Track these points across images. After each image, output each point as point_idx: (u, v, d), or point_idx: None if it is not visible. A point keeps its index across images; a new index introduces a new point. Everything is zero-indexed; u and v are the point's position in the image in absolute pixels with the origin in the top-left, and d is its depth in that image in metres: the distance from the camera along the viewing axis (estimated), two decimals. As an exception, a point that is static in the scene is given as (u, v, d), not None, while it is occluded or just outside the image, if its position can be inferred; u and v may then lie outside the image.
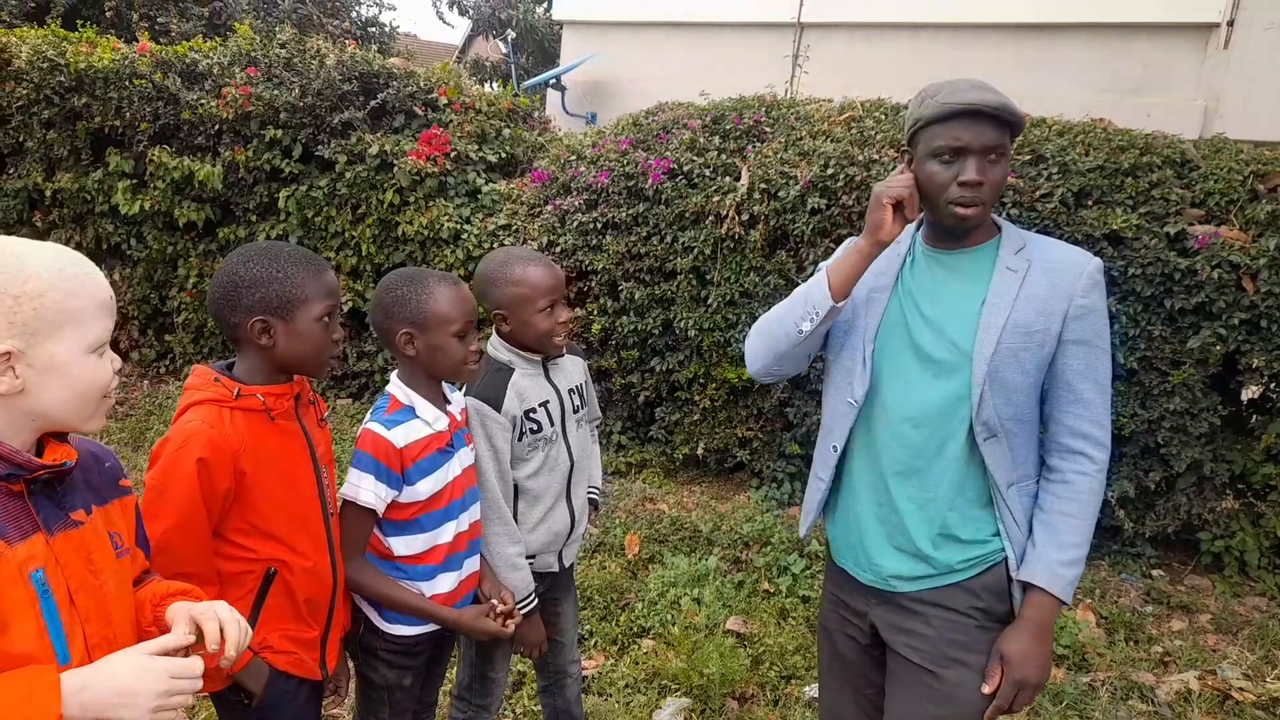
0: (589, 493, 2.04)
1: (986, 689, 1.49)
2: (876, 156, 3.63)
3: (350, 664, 1.80)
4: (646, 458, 4.36)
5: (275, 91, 4.69)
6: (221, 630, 1.10)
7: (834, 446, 1.63)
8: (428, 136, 4.57)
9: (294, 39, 5.11)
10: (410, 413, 1.64)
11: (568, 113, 8.09)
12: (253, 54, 4.98)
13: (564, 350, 1.90)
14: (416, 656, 1.74)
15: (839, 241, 3.38)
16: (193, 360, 5.25)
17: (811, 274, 1.75)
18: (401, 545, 1.66)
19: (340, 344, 1.56)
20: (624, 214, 4.04)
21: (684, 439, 4.23)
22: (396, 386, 1.67)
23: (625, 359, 4.22)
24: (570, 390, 1.92)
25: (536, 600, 1.86)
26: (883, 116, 3.94)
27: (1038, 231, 1.92)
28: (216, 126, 4.84)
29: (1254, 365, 3.20)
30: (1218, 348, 3.20)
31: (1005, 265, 1.49)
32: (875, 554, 1.59)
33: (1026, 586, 1.49)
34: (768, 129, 4.08)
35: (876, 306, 1.57)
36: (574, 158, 4.34)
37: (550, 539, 1.90)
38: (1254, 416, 3.53)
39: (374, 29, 11.77)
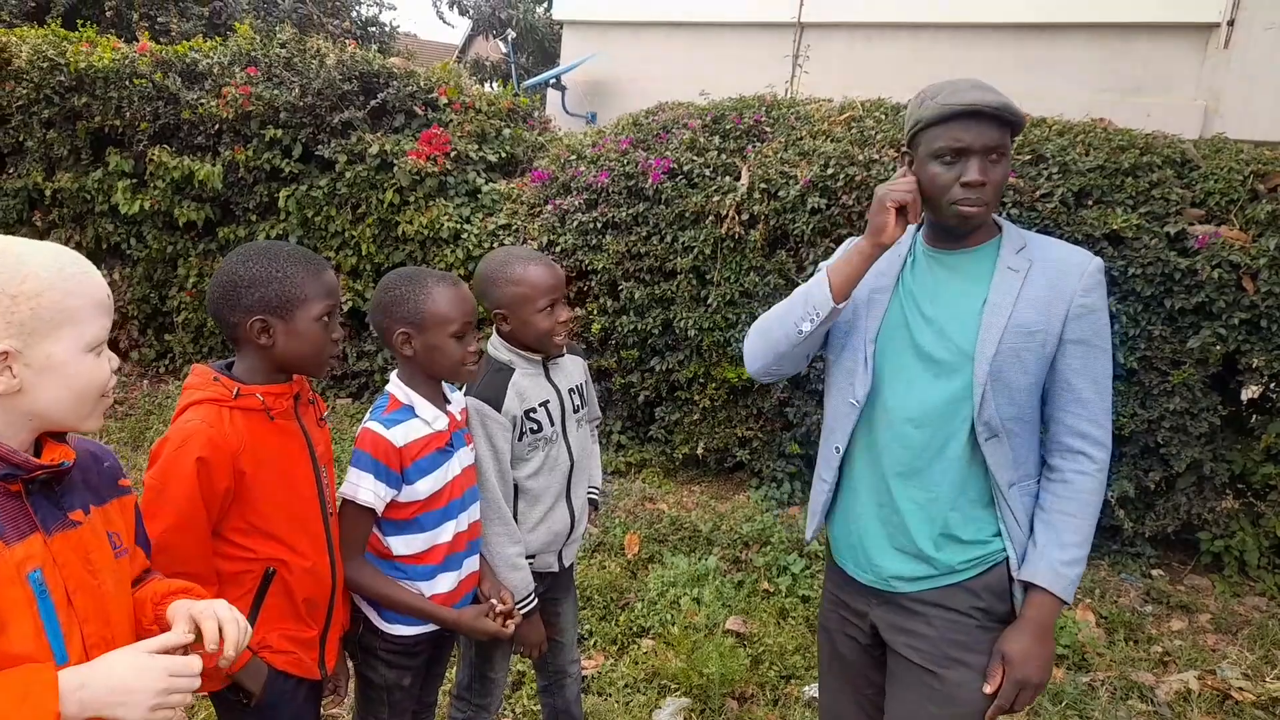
0: (589, 493, 2.04)
1: (988, 689, 1.49)
2: (877, 156, 3.63)
3: (349, 664, 1.80)
4: (646, 457, 4.36)
5: (275, 91, 4.69)
6: (220, 630, 1.10)
7: (836, 448, 1.62)
8: (428, 136, 4.57)
9: (294, 39, 5.11)
10: (409, 412, 1.64)
11: (568, 112, 8.09)
12: (253, 54, 4.98)
13: (564, 350, 1.90)
14: (416, 656, 1.74)
15: (839, 241, 3.38)
16: (192, 360, 5.25)
17: (812, 274, 1.74)
18: (401, 545, 1.66)
19: (340, 344, 1.56)
20: (624, 214, 4.04)
21: (684, 439, 4.23)
22: (396, 386, 1.67)
23: (625, 359, 4.22)
24: (570, 390, 1.92)
25: (536, 600, 1.86)
26: (883, 116, 3.94)
27: (1038, 231, 1.92)
28: (216, 126, 4.84)
29: (1254, 365, 3.20)
30: (1218, 347, 3.20)
31: (1006, 265, 1.49)
32: (876, 555, 1.59)
33: (1028, 586, 1.49)
34: (768, 129, 4.08)
35: (877, 307, 1.56)
36: (574, 157, 4.33)
37: (550, 539, 1.90)
38: (1254, 416, 3.53)
39: (374, 29, 11.77)
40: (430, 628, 1.71)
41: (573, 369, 1.96)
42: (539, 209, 4.36)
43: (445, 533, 1.67)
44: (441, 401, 1.71)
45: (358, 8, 11.70)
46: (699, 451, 4.18)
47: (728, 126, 4.13)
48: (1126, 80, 6.05)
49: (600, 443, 2.71)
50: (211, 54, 5.04)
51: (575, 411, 1.93)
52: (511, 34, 12.19)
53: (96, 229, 5.33)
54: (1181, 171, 3.35)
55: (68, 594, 1.03)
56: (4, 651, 0.96)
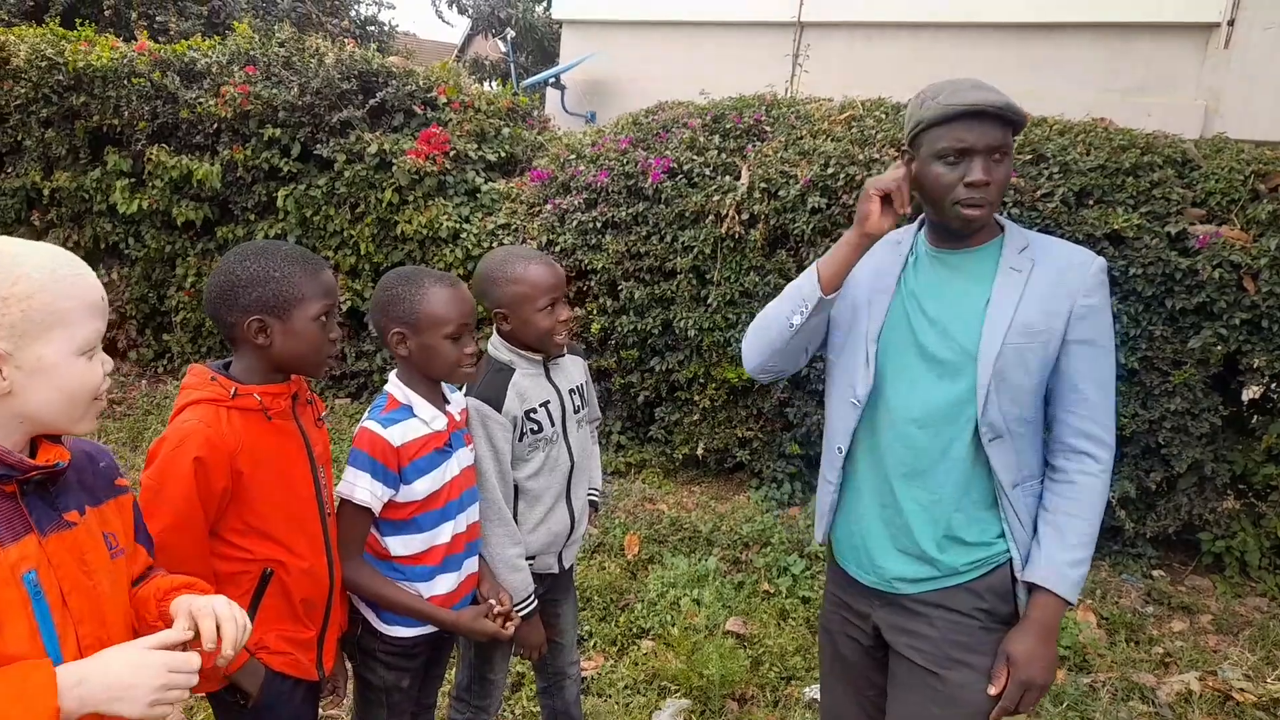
0: (589, 494, 2.03)
1: (993, 690, 1.48)
2: (877, 156, 3.62)
3: (348, 665, 1.80)
4: (646, 458, 4.35)
5: (274, 90, 4.68)
6: (219, 628, 1.09)
7: (839, 448, 1.62)
8: (427, 135, 4.56)
9: (293, 38, 5.11)
10: (408, 411, 1.63)
11: (567, 112, 8.08)
12: (251, 53, 4.97)
13: (565, 350, 1.89)
14: (414, 658, 1.73)
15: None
16: (191, 359, 5.24)
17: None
18: (399, 545, 1.65)
19: (338, 344, 1.55)
20: (624, 213, 4.03)
21: (684, 439, 4.22)
22: (395, 385, 1.66)
23: (625, 359, 4.21)
24: (571, 390, 1.91)
25: (536, 602, 1.85)
26: (883, 116, 3.93)
27: (1039, 231, 1.91)
28: (215, 125, 4.83)
29: (1255, 365, 3.20)
30: (1219, 348, 3.19)
31: (1009, 265, 1.48)
32: (879, 556, 1.58)
33: (1032, 587, 1.48)
34: (768, 128, 4.08)
35: (879, 306, 1.56)
36: (573, 157, 4.33)
37: (550, 540, 1.89)
38: (1255, 417, 3.53)
39: (373, 28, 11.77)
40: (429, 629, 1.70)
41: (573, 369, 1.95)
42: (538, 208, 4.35)
43: (443, 534, 1.66)
44: (440, 401, 1.70)
45: (356, 7, 11.70)
46: (699, 452, 4.17)
47: (728, 126, 4.12)
48: (1127, 80, 6.04)
49: (600, 443, 2.71)
50: (210, 53, 5.03)
51: (576, 412, 1.92)
52: (511, 33, 12.19)
53: (95, 228, 5.32)
54: (1182, 171, 3.35)
55: (63, 595, 1.03)
56: None
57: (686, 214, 3.92)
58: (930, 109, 1.42)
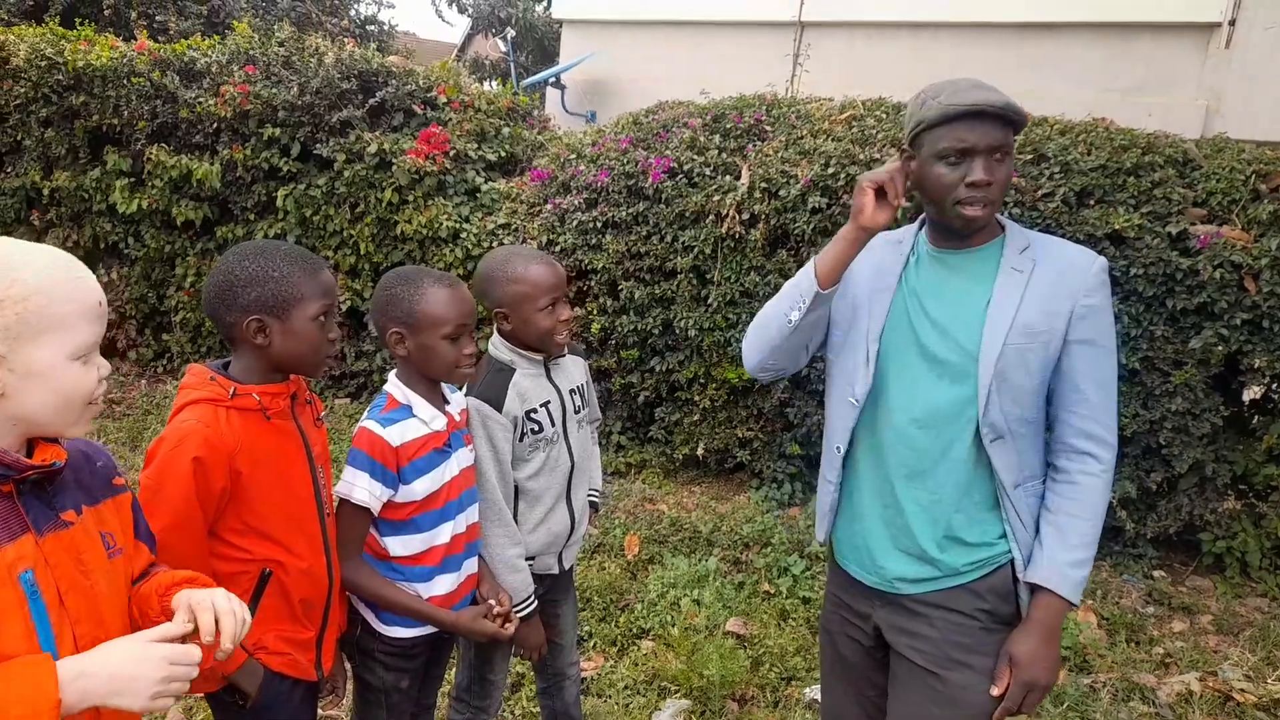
0: (589, 495, 2.03)
1: (995, 691, 1.48)
2: (878, 155, 3.62)
3: (347, 665, 1.79)
4: (646, 458, 4.34)
5: (274, 90, 4.67)
6: (217, 621, 1.09)
7: (838, 448, 1.62)
8: (426, 135, 4.56)
9: (292, 37, 5.10)
10: (407, 411, 1.63)
11: (567, 111, 8.07)
12: (251, 52, 4.96)
13: (566, 349, 1.89)
14: (414, 659, 1.73)
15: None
16: (190, 359, 5.23)
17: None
18: (398, 545, 1.65)
19: (337, 343, 1.55)
20: (624, 213, 4.03)
21: (684, 439, 4.22)
22: (394, 385, 1.66)
23: (625, 359, 4.21)
24: (571, 391, 1.91)
25: (535, 602, 1.84)
26: (884, 115, 3.93)
27: (1039, 231, 1.91)
28: (215, 125, 4.83)
29: (1256, 366, 3.19)
30: (1219, 348, 3.19)
31: (1010, 265, 1.48)
32: (879, 556, 1.58)
33: (1034, 588, 1.48)
34: (768, 128, 4.07)
35: (880, 305, 1.55)
36: (574, 156, 4.32)
37: (550, 540, 1.89)
38: (1256, 417, 3.52)
39: (373, 27, 11.76)
40: (428, 629, 1.69)
41: (574, 369, 1.95)
42: (538, 208, 4.34)
43: (442, 534, 1.66)
44: (440, 402, 1.69)
45: (356, 6, 11.69)
46: (699, 452, 4.17)
47: (728, 125, 4.12)
48: (1128, 80, 6.04)
49: (600, 443, 2.71)
50: (210, 53, 5.03)
51: (576, 412, 1.91)
52: (511, 32, 12.18)
53: (94, 228, 5.31)
54: (1183, 171, 3.34)
55: (59, 595, 1.02)
56: None
57: (687, 214, 3.91)
58: (931, 109, 1.42)
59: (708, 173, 3.90)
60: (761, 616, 3.09)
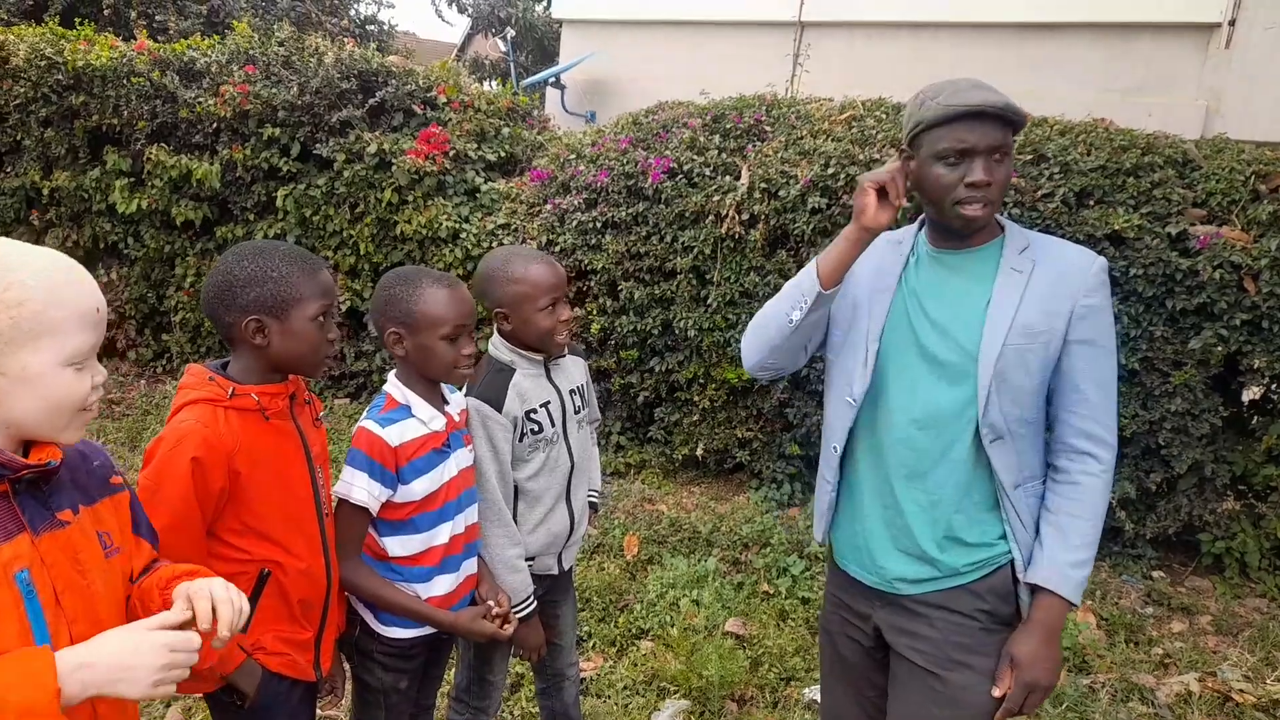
0: (588, 496, 2.03)
1: (997, 692, 1.48)
2: (878, 156, 3.62)
3: (346, 665, 1.79)
4: (645, 458, 4.34)
5: (273, 90, 4.67)
6: (215, 610, 1.08)
7: (834, 447, 1.62)
8: (426, 135, 4.56)
9: (292, 37, 5.10)
10: (406, 411, 1.63)
11: (567, 111, 8.07)
12: (251, 52, 4.96)
13: (566, 350, 1.89)
14: (412, 659, 1.73)
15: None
16: (190, 359, 5.23)
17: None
18: (397, 545, 1.64)
19: (336, 344, 1.55)
20: (623, 213, 4.03)
21: (683, 439, 4.22)
22: (394, 385, 1.66)
23: (624, 359, 4.21)
24: (572, 391, 1.90)
25: (535, 603, 1.84)
26: (884, 116, 3.93)
27: (1039, 231, 1.91)
28: (214, 125, 4.83)
29: (1255, 366, 3.19)
30: (1219, 348, 3.19)
31: (1010, 265, 1.48)
32: (879, 556, 1.58)
33: (1035, 589, 1.48)
34: (768, 128, 4.07)
35: (880, 306, 1.55)
36: (573, 157, 4.32)
37: (550, 541, 1.89)
38: (1255, 418, 3.52)
39: (372, 27, 11.76)
40: (427, 630, 1.69)
41: (574, 370, 1.95)
42: (538, 208, 4.34)
43: (441, 535, 1.66)
44: (439, 402, 1.69)
45: (356, 6, 11.69)
46: (699, 452, 4.17)
47: (728, 126, 4.11)
48: (1127, 80, 6.04)
49: (600, 444, 2.71)
50: (209, 52, 5.03)
51: (576, 413, 1.91)
52: (510, 32, 12.18)
53: (94, 228, 5.31)
54: (1183, 172, 3.34)
55: (55, 594, 1.02)
56: None
57: (686, 214, 3.91)
58: (930, 110, 1.41)
59: (707, 173, 3.90)
60: (761, 617, 3.09)
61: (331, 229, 4.80)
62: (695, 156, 3.96)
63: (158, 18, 8.84)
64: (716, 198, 3.83)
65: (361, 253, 4.76)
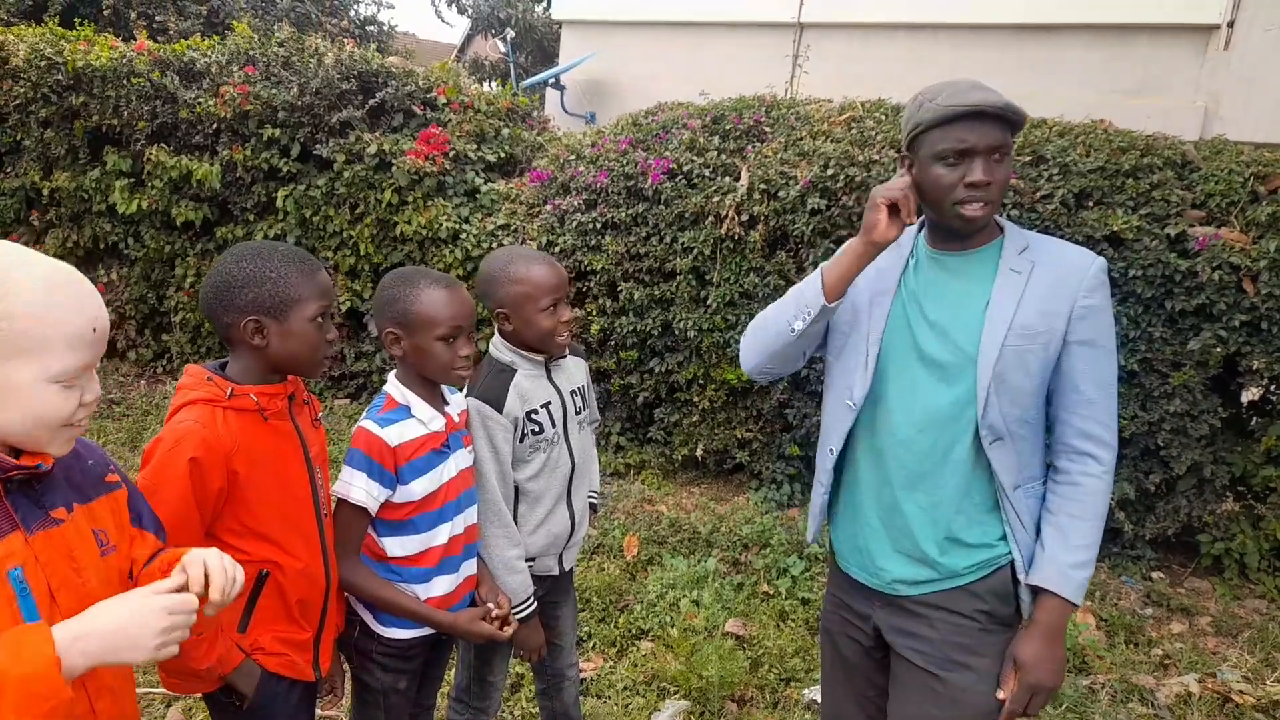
0: (588, 496, 2.03)
1: (1001, 694, 1.48)
2: (877, 157, 3.62)
3: (345, 665, 1.79)
4: (645, 459, 4.34)
5: (273, 90, 4.67)
6: (207, 576, 1.09)
7: (831, 449, 1.62)
8: (426, 136, 4.56)
9: (292, 38, 5.10)
10: (405, 412, 1.63)
11: (567, 112, 8.07)
12: (251, 53, 4.96)
13: (567, 350, 1.89)
14: (412, 660, 1.73)
15: (839, 242, 3.37)
16: (190, 360, 5.23)
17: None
18: (396, 546, 1.64)
19: (334, 344, 1.55)
20: (623, 214, 4.03)
21: (683, 440, 4.22)
22: (394, 385, 1.66)
23: (624, 360, 4.21)
24: (572, 392, 1.91)
25: (535, 604, 1.84)
26: (883, 117, 3.93)
27: (1038, 233, 1.91)
28: (214, 125, 4.83)
29: (1254, 367, 3.20)
30: (1218, 350, 3.19)
31: (1009, 266, 1.48)
32: (879, 558, 1.58)
33: (1037, 590, 1.48)
34: (767, 129, 4.07)
35: (880, 309, 1.55)
36: (573, 157, 4.32)
37: (550, 541, 1.89)
38: (1254, 419, 3.52)
39: (372, 28, 11.75)
40: (426, 631, 1.69)
41: (575, 370, 1.95)
42: (538, 209, 4.34)
43: (440, 535, 1.66)
44: (439, 403, 1.70)
45: (356, 7, 11.68)
46: (698, 453, 4.17)
47: (727, 127, 4.12)
48: (1127, 81, 6.04)
49: (599, 444, 2.71)
50: (209, 53, 5.03)
51: (577, 413, 1.91)
52: (510, 33, 12.17)
53: (94, 228, 5.31)
54: (1182, 173, 3.35)
55: (51, 592, 1.02)
56: None
57: (686, 215, 3.91)
58: (930, 111, 1.42)
59: (707, 174, 3.90)
60: (760, 617, 3.09)
61: (331, 229, 4.80)
62: (695, 157, 3.96)
63: (157, 18, 8.84)
64: (716, 199, 3.83)
65: (361, 253, 4.76)
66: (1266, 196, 3.21)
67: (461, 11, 13.28)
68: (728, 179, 3.87)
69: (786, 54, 6.78)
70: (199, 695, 1.58)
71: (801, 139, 3.89)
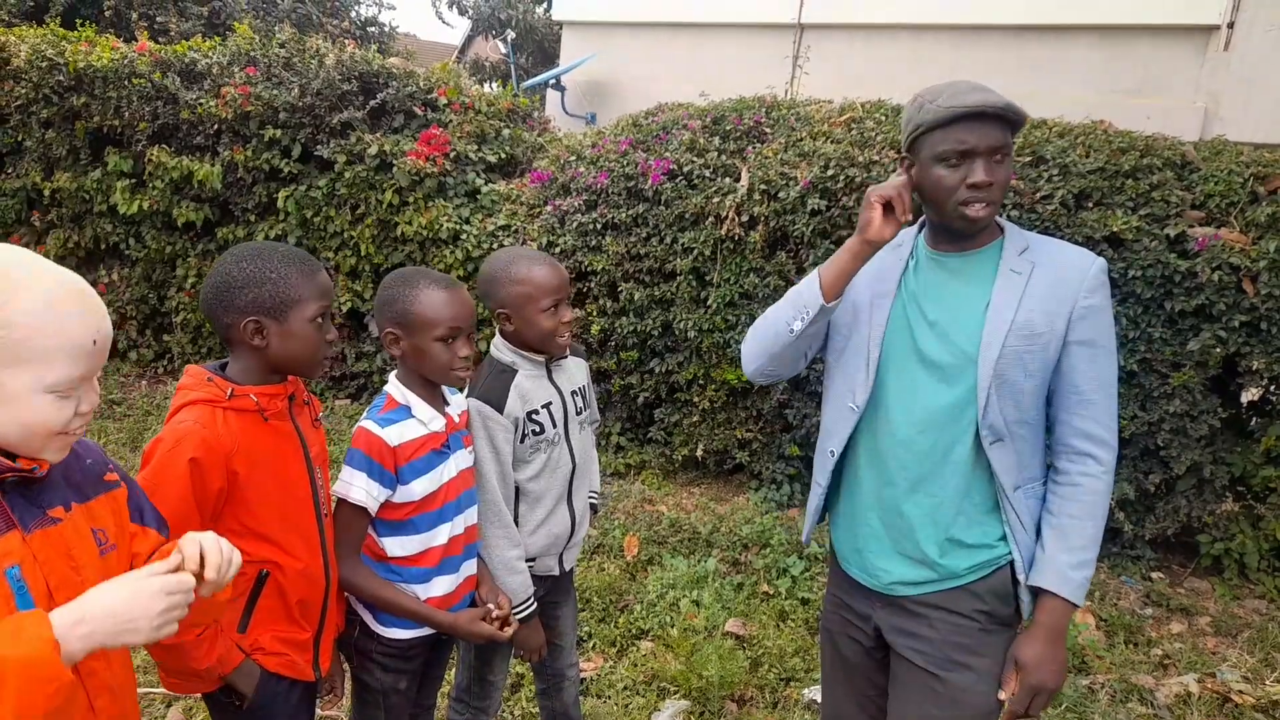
0: (589, 497, 2.03)
1: (1003, 695, 1.48)
2: (877, 158, 3.62)
3: (345, 666, 1.79)
4: (645, 459, 4.35)
5: (274, 91, 4.68)
6: (203, 557, 1.09)
7: (831, 451, 1.62)
8: (427, 137, 4.57)
9: (293, 39, 5.11)
10: (406, 412, 1.64)
11: (567, 113, 8.08)
12: (252, 54, 4.97)
13: (568, 351, 1.89)
14: (412, 660, 1.73)
15: (839, 243, 3.37)
16: (191, 360, 5.24)
17: (811, 276, 1.74)
18: (395, 546, 1.65)
19: (334, 345, 1.55)
20: (623, 215, 4.03)
21: (683, 440, 4.22)
22: (394, 386, 1.67)
23: (625, 360, 4.21)
24: (573, 392, 1.91)
25: (535, 604, 1.85)
26: (883, 118, 3.93)
27: (1038, 233, 1.92)
28: (215, 126, 4.83)
29: (1254, 368, 3.20)
30: (1218, 350, 3.19)
31: (1009, 267, 1.48)
32: (880, 559, 1.58)
33: (1038, 591, 1.48)
34: (768, 130, 4.08)
35: (881, 310, 1.56)
36: (573, 158, 4.33)
37: (550, 542, 1.89)
38: (1254, 419, 3.52)
39: (373, 29, 11.77)
40: (426, 631, 1.70)
41: (575, 371, 1.95)
42: (538, 210, 4.35)
43: (440, 535, 1.66)
44: (440, 403, 1.70)
45: (357, 8, 11.69)
46: (698, 453, 4.17)
47: (727, 127, 4.12)
48: (1127, 82, 6.05)
49: (599, 444, 2.71)
50: (210, 54, 5.03)
51: (578, 414, 1.92)
52: (511, 34, 12.18)
53: (95, 229, 5.32)
54: (1182, 174, 3.35)
55: (49, 590, 1.03)
56: None
57: (686, 215, 3.92)
58: (930, 112, 1.42)
59: (707, 174, 3.91)
60: (760, 617, 3.10)
61: (332, 230, 4.81)
62: (695, 158, 3.97)
63: (159, 19, 8.85)
64: (716, 199, 3.83)
65: (362, 254, 4.76)
66: (1266, 197, 3.21)
67: (462, 13, 13.28)
68: (728, 180, 3.87)
69: (787, 55, 6.78)
70: (199, 695, 1.58)
71: (801, 140, 3.90)
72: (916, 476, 1.52)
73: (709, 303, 3.93)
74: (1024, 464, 1.50)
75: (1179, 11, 5.88)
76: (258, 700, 1.47)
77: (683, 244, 3.93)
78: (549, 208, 4.27)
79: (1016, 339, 1.44)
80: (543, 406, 1.82)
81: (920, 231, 1.59)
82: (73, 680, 0.95)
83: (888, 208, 1.43)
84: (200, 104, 4.77)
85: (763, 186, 3.76)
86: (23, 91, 5.06)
